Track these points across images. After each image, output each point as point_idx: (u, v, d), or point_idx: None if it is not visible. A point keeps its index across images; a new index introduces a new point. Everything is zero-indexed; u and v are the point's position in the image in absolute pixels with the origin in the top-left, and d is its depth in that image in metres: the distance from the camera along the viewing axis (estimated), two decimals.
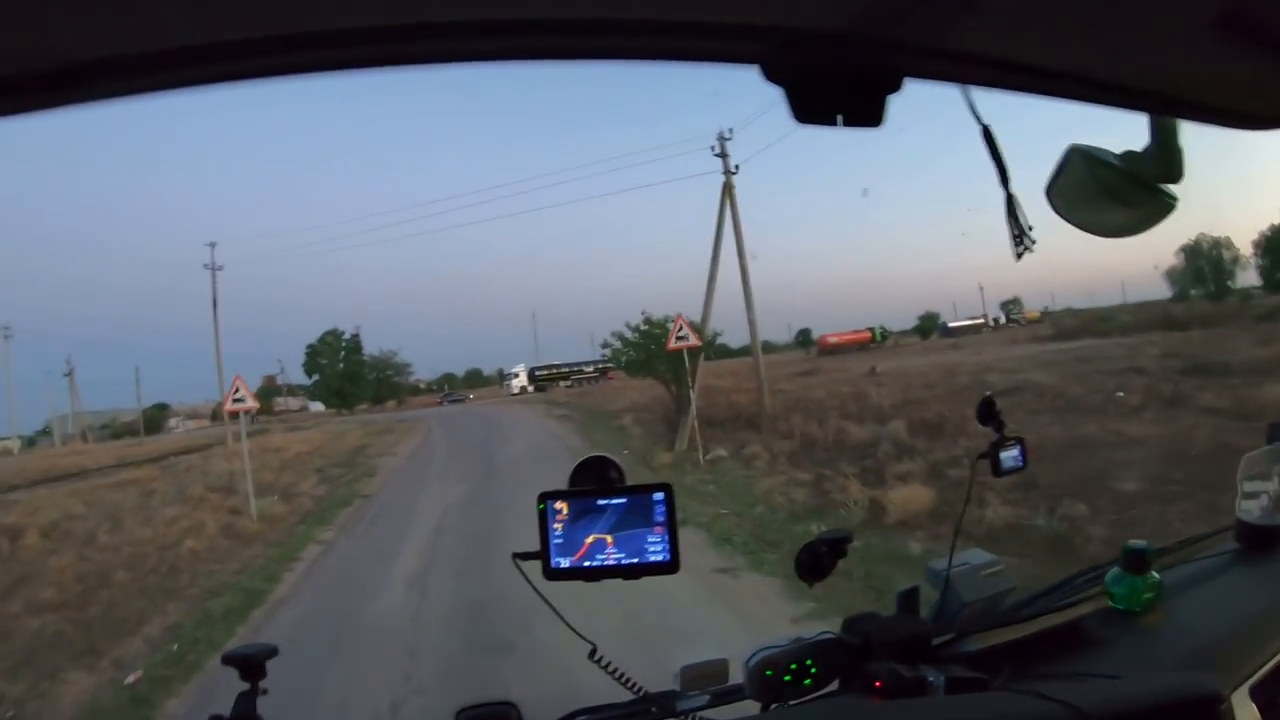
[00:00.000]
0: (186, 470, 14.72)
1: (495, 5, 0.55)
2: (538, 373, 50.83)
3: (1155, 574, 1.02)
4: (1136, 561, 1.02)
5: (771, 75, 0.68)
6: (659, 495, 0.88)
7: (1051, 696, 0.76)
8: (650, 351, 14.16)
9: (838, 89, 0.70)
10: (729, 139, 14.37)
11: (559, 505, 0.90)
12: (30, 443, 45.02)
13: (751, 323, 14.33)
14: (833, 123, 0.70)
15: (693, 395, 11.24)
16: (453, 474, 10.99)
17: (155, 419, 55.58)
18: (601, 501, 0.90)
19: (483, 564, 5.48)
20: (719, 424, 12.20)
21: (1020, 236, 0.80)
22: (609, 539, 0.88)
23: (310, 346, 51.64)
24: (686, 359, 11.76)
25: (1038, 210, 0.88)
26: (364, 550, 7.02)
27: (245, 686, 0.92)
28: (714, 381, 16.97)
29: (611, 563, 0.88)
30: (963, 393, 11.20)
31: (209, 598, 5.93)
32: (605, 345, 15.73)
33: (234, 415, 11.23)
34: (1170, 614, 1.01)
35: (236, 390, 10.37)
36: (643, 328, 14.17)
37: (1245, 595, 1.06)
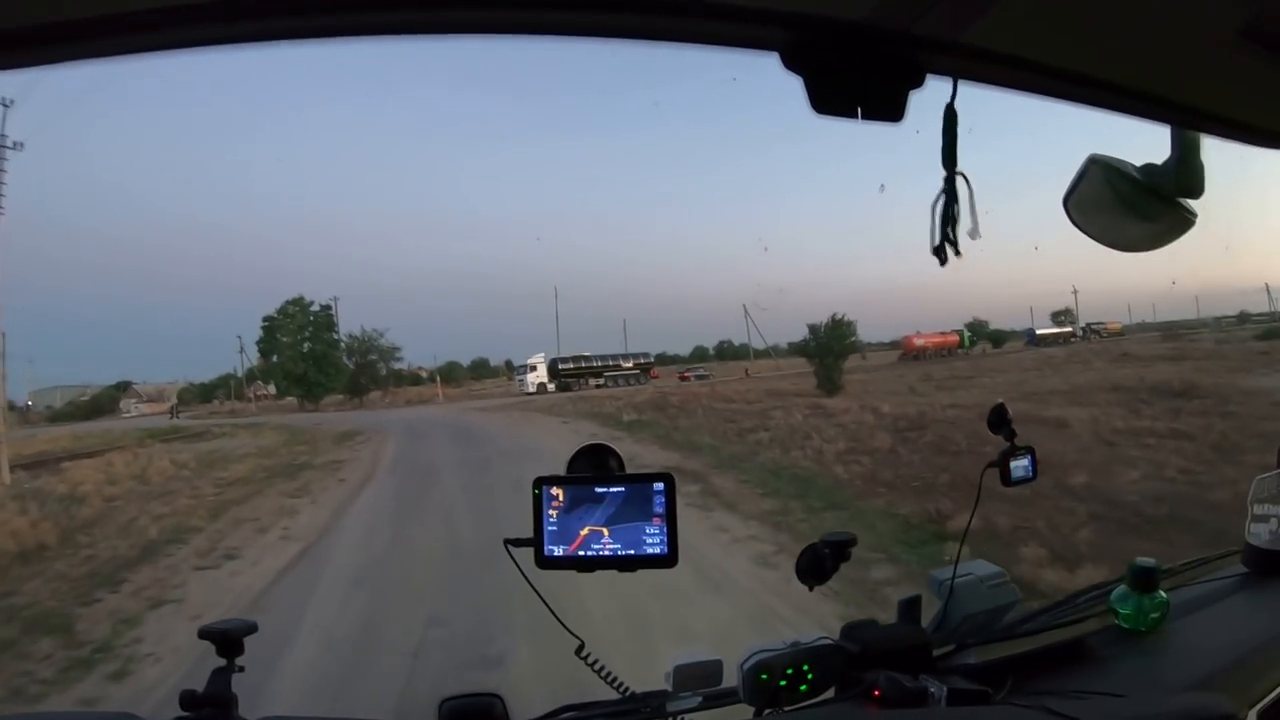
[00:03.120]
0: None
1: None
2: (562, 366, 43.24)
3: (1162, 594, 1.06)
4: (1144, 580, 1.05)
5: (790, 63, 0.68)
6: (659, 485, 0.90)
7: (1058, 712, 0.75)
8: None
9: (857, 81, 0.69)
10: None
11: (555, 491, 0.91)
12: None
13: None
14: (852, 115, 0.70)
15: None
16: None
17: (103, 401, 54.24)
18: (600, 489, 0.91)
19: None
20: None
21: (943, 244, 0.75)
22: (605, 531, 0.89)
23: (267, 320, 43.76)
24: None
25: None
26: None
27: (221, 662, 0.96)
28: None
29: (607, 553, 0.89)
30: None
31: None
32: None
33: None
34: (1177, 635, 1.04)
35: None
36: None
37: (1253, 619, 1.09)
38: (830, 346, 20.86)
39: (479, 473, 10.09)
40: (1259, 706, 0.83)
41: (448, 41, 0.62)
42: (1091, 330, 44.47)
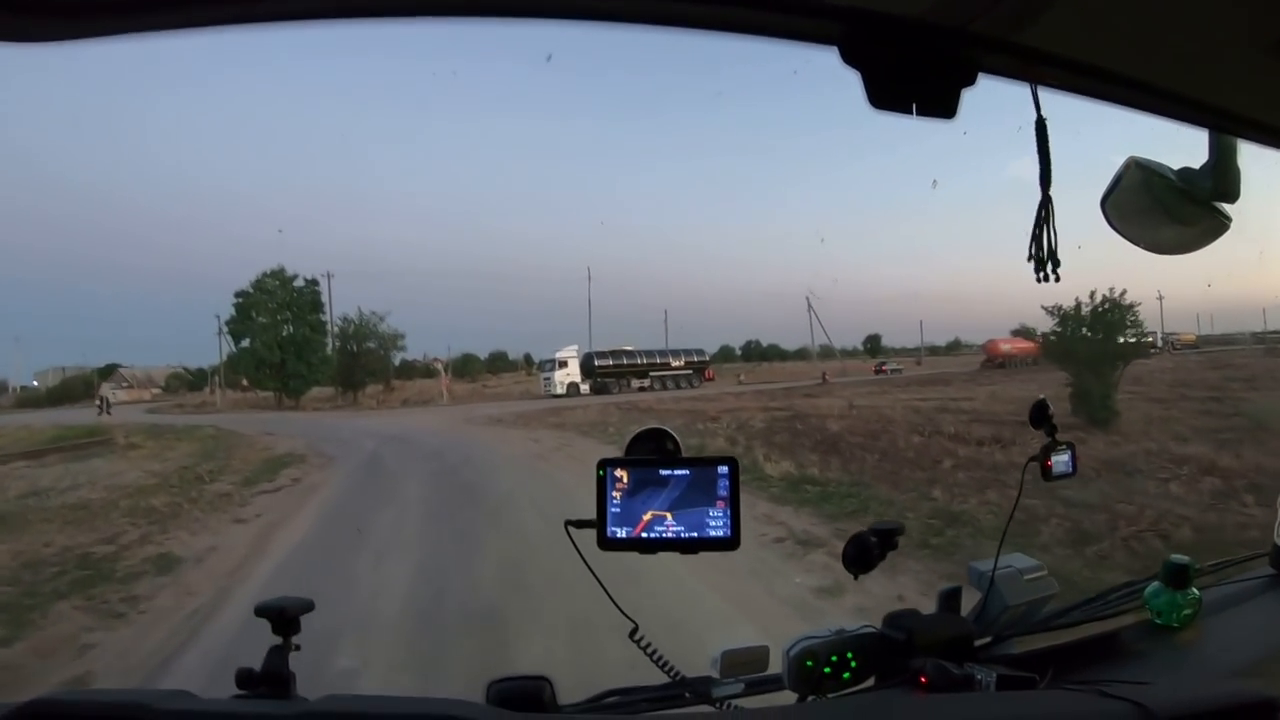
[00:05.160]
0: None
1: None
2: (599, 362, 37.94)
3: (1195, 590, 1.15)
4: (1177, 576, 1.14)
5: (849, 58, 0.72)
6: (724, 469, 0.96)
7: (1116, 695, 0.80)
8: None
9: (913, 77, 0.74)
10: None
11: (619, 473, 0.96)
12: None
13: None
14: (908, 111, 0.74)
15: None
16: None
17: (74, 386, 53.10)
18: (664, 472, 0.96)
19: None
20: None
21: (1044, 260, 0.83)
22: (669, 515, 0.95)
23: (240, 295, 38.13)
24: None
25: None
26: None
27: (278, 640, 1.00)
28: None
29: (670, 535, 0.95)
30: None
31: None
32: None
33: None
34: (1209, 631, 1.12)
35: None
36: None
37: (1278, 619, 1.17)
38: (1104, 347, 13.23)
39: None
40: None
41: (510, 25, 0.67)
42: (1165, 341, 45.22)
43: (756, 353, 66.73)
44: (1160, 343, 41.83)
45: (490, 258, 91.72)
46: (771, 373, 49.54)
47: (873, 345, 66.31)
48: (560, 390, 34.76)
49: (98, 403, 34.63)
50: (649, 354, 39.29)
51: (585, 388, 35.90)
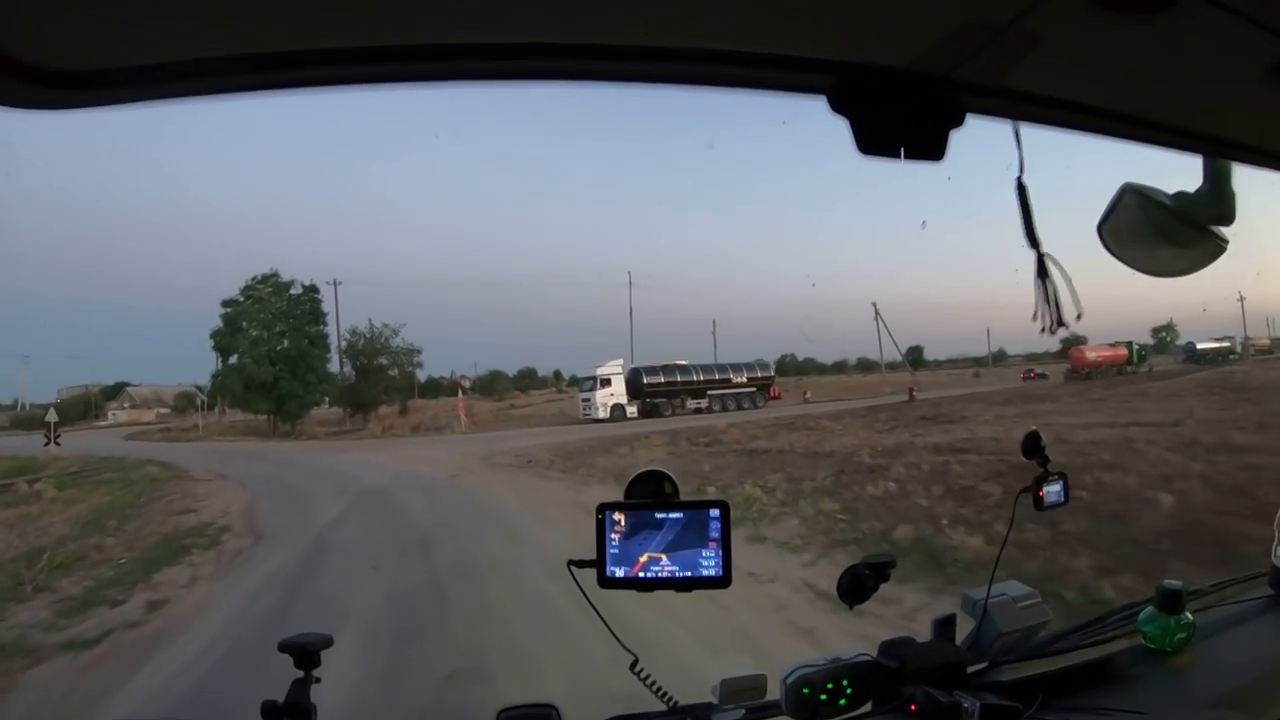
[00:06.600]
0: None
1: (583, 30, 0.65)
2: (649, 380, 33.26)
3: (1189, 615, 1.18)
4: (1170, 601, 1.17)
5: (837, 106, 0.75)
6: (715, 511, 1.07)
7: None
8: None
9: (901, 123, 0.76)
10: None
11: (617, 516, 1.07)
12: None
13: None
14: (896, 155, 0.76)
15: None
16: None
17: (73, 406, 52.21)
18: (659, 515, 1.07)
19: None
20: None
21: (1051, 317, 0.86)
22: (664, 556, 1.06)
23: (228, 305, 33.75)
24: None
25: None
26: None
27: (300, 674, 1.13)
28: None
29: (665, 575, 1.06)
30: None
31: None
32: None
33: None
34: (1203, 655, 1.15)
35: None
36: None
37: (1276, 641, 1.18)
38: None
39: None
40: None
41: (512, 88, 0.75)
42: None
43: (793, 367, 65.32)
44: (1239, 348, 41.21)
45: (516, 269, 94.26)
46: (832, 388, 45.50)
47: (915, 357, 64.82)
48: (602, 414, 30.32)
49: (46, 433, 29.85)
50: (706, 369, 34.71)
51: (633, 410, 31.04)
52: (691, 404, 32.31)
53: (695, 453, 15.21)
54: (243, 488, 14.00)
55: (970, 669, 1.16)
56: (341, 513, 10.58)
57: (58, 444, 26.13)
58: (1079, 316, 0.82)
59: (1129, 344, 40.33)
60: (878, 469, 10.61)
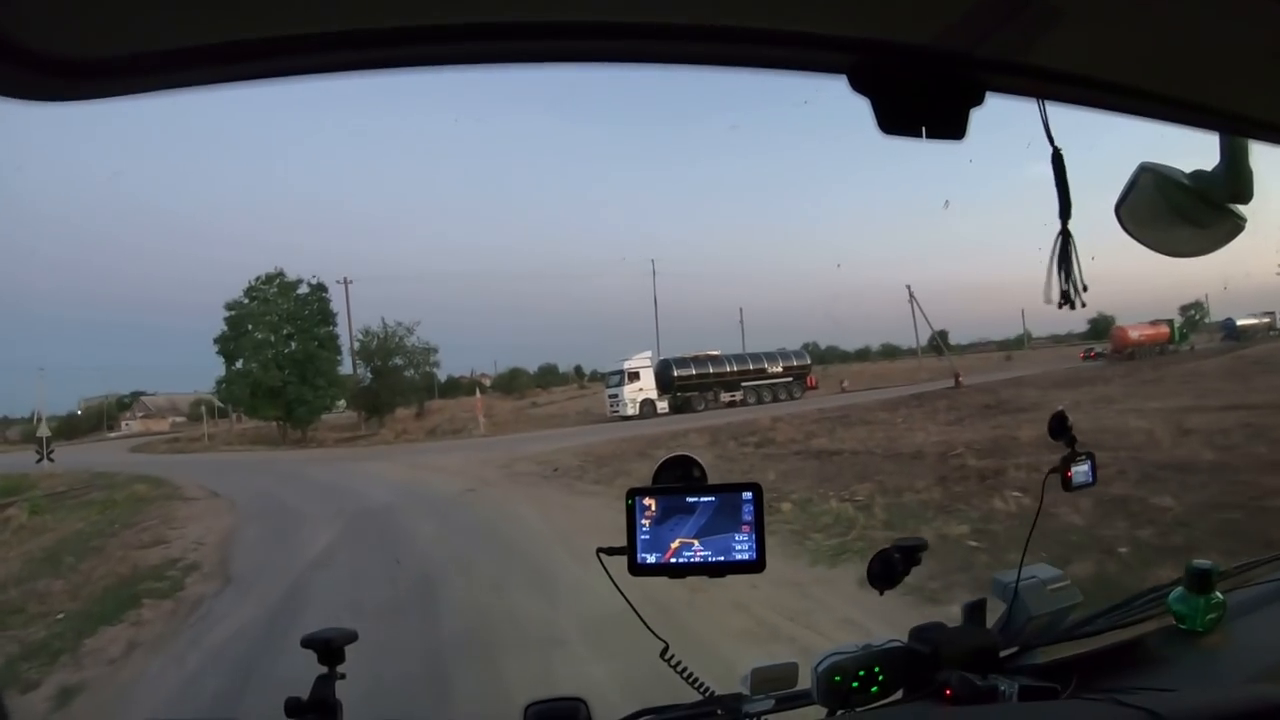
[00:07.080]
0: None
1: (599, 7, 0.64)
2: (680, 372, 31.58)
3: (1219, 594, 1.18)
4: (1201, 581, 1.17)
5: (857, 85, 0.75)
6: (748, 495, 1.07)
7: (1129, 703, 0.85)
8: None
9: (922, 102, 0.77)
10: None
11: (647, 502, 1.07)
12: None
13: None
14: (917, 134, 0.77)
15: None
16: None
17: (89, 418, 52.04)
18: (690, 499, 1.07)
19: None
20: None
21: (1066, 291, 0.87)
22: (696, 541, 1.07)
23: (231, 307, 32.00)
24: None
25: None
26: None
27: (324, 670, 1.15)
28: None
29: (698, 560, 1.07)
30: None
31: None
32: None
33: None
34: (1234, 634, 1.16)
35: None
36: None
37: None
38: None
39: None
40: None
41: (529, 73, 0.84)
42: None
43: (816, 355, 62.01)
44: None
45: (536, 261, 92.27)
46: (862, 375, 43.36)
47: (943, 341, 61.58)
48: (631, 410, 28.73)
49: (35, 447, 27.87)
50: (739, 359, 32.89)
51: (663, 405, 29.60)
52: (725, 397, 30.68)
53: (748, 455, 13.43)
54: (231, 509, 12.66)
55: (1002, 653, 1.18)
56: (331, 544, 8.89)
57: (51, 460, 24.09)
58: (1085, 291, 0.83)
59: (1169, 322, 38.69)
60: (988, 473, 8.60)
